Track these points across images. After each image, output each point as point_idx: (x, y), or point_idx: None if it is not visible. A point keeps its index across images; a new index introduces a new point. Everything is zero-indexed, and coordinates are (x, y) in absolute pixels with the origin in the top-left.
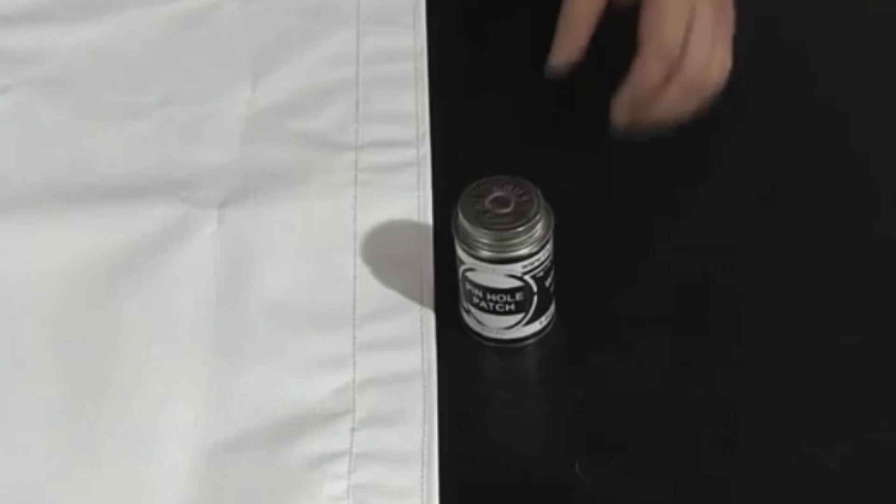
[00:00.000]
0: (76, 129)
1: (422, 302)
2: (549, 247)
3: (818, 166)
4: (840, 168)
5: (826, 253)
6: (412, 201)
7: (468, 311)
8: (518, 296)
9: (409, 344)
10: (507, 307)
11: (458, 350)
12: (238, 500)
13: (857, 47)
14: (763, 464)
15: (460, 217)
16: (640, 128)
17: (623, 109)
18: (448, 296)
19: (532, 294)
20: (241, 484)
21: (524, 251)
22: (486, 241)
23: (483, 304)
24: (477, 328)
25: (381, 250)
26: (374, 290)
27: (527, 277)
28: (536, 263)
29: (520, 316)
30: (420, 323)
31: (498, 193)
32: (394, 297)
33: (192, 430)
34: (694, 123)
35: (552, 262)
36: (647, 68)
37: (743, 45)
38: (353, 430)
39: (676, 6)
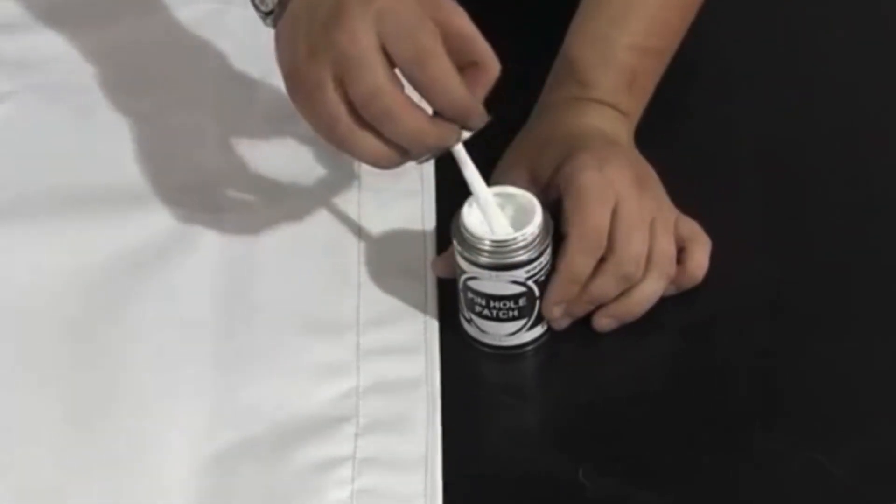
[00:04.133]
0: (78, 134)
1: (425, 308)
2: (549, 251)
3: (820, 175)
4: (844, 175)
5: (830, 258)
6: (415, 207)
7: (469, 321)
8: (521, 301)
9: (412, 350)
10: (511, 313)
11: (461, 356)
12: None
13: (857, 48)
14: (767, 470)
15: (461, 225)
16: (575, 314)
17: (553, 302)
18: (451, 302)
19: (535, 299)
20: (245, 489)
21: (526, 256)
22: (487, 247)
23: (486, 311)
24: (479, 337)
25: (384, 256)
26: (377, 297)
27: (529, 283)
28: (538, 268)
29: (522, 321)
30: (423, 329)
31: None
32: (397, 303)
33: (196, 435)
34: (693, 124)
35: (552, 266)
36: (574, 259)
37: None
38: (356, 435)
39: (598, 192)
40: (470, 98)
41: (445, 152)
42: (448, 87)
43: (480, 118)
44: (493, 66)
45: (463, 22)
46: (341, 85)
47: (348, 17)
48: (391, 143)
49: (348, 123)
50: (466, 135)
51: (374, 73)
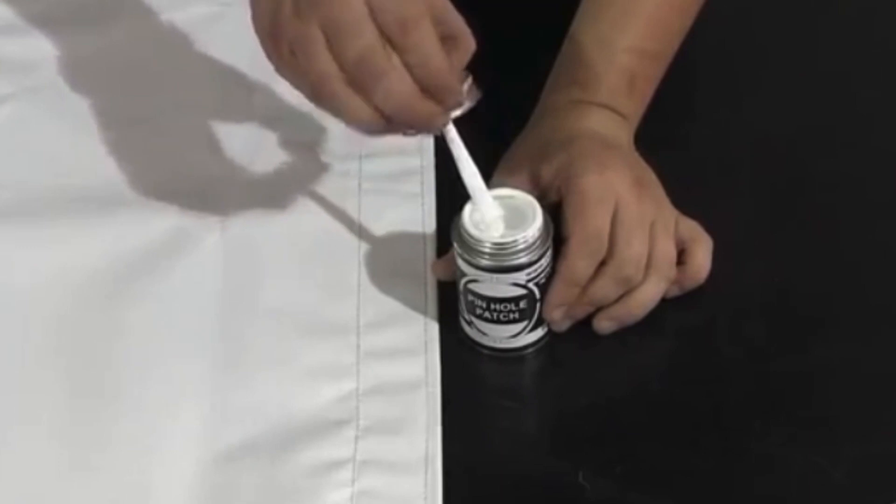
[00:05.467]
0: (78, 137)
1: (425, 311)
2: (549, 253)
3: (820, 176)
4: (845, 176)
5: (830, 260)
6: (416, 210)
7: (470, 323)
8: (522, 303)
9: (412, 352)
10: (512, 315)
11: (461, 358)
12: None
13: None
14: (767, 473)
15: (462, 227)
16: (576, 316)
17: (553, 305)
18: (452, 304)
19: (535, 301)
20: (245, 491)
21: (526, 259)
22: (488, 250)
23: (487, 314)
24: (480, 339)
25: (384, 259)
26: (377, 299)
27: (530, 285)
28: (539, 270)
29: (523, 324)
30: (424, 331)
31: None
32: (397, 305)
33: (196, 437)
34: (693, 127)
35: (552, 268)
36: (574, 262)
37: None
38: (356, 437)
39: (598, 195)
40: (449, 72)
41: (433, 132)
42: (429, 55)
43: (456, 95)
44: (468, 41)
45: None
46: (328, 46)
47: None
48: (378, 109)
49: (339, 82)
50: (456, 113)
51: (365, 36)
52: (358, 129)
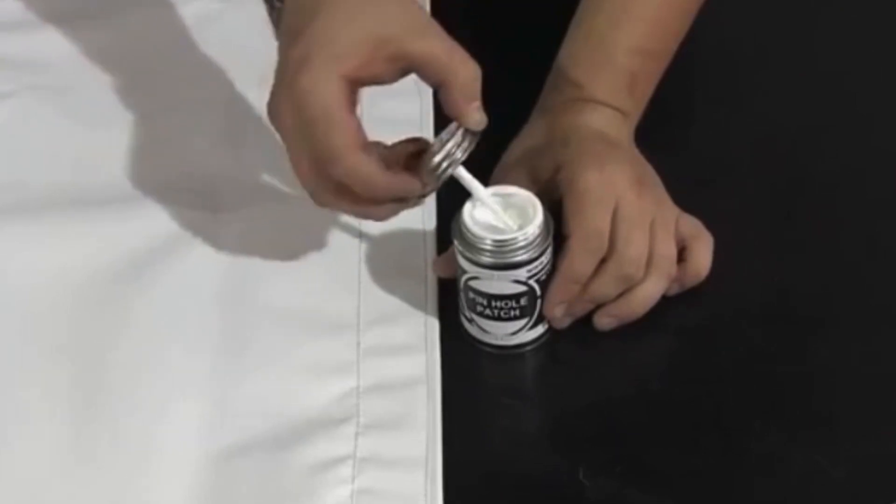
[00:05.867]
0: (79, 133)
1: (426, 308)
2: (550, 251)
3: (820, 176)
4: (845, 176)
5: (830, 260)
6: (416, 208)
7: (471, 321)
8: (522, 301)
9: (413, 349)
10: (512, 312)
11: (462, 355)
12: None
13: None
14: (767, 472)
15: (462, 224)
16: (576, 313)
17: (554, 302)
18: (452, 302)
19: (536, 298)
20: (245, 488)
21: (527, 256)
22: (489, 247)
23: (488, 311)
24: (480, 336)
25: (385, 256)
26: (378, 296)
27: (531, 282)
28: (540, 267)
29: (524, 321)
30: (424, 329)
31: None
32: (398, 302)
33: (197, 434)
34: (693, 125)
35: (553, 265)
36: (575, 260)
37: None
38: (357, 434)
39: (599, 193)
40: (391, 185)
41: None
42: (365, 179)
43: (417, 188)
44: (457, 79)
45: (416, 47)
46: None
47: (273, 96)
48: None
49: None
50: (449, 171)
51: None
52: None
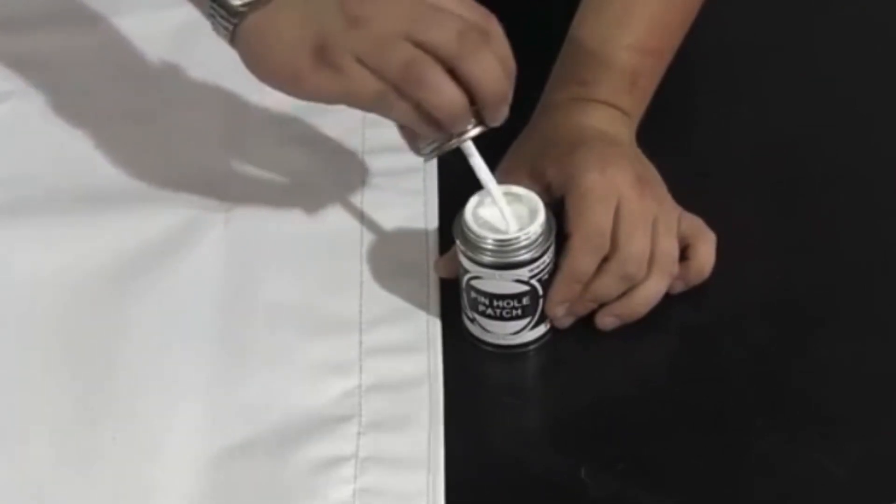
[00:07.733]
0: (80, 133)
1: (428, 307)
2: (552, 250)
3: (821, 175)
4: (846, 175)
5: (831, 259)
6: (418, 206)
7: (473, 320)
8: (524, 300)
9: (415, 349)
10: (514, 312)
11: (464, 355)
12: (244, 503)
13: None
14: (769, 470)
15: (464, 224)
16: (578, 312)
17: (556, 301)
18: (454, 301)
19: (538, 297)
20: (247, 487)
21: (529, 255)
22: (490, 247)
23: (490, 311)
24: (482, 336)
25: (387, 255)
26: (380, 295)
27: (533, 281)
28: (542, 267)
29: (526, 320)
30: (426, 328)
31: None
32: (400, 302)
33: (198, 433)
34: (694, 125)
35: (555, 265)
36: (577, 259)
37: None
38: (359, 434)
39: (600, 192)
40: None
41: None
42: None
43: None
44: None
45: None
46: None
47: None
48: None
49: (428, 64)
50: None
51: (446, 26)
52: (442, 116)
